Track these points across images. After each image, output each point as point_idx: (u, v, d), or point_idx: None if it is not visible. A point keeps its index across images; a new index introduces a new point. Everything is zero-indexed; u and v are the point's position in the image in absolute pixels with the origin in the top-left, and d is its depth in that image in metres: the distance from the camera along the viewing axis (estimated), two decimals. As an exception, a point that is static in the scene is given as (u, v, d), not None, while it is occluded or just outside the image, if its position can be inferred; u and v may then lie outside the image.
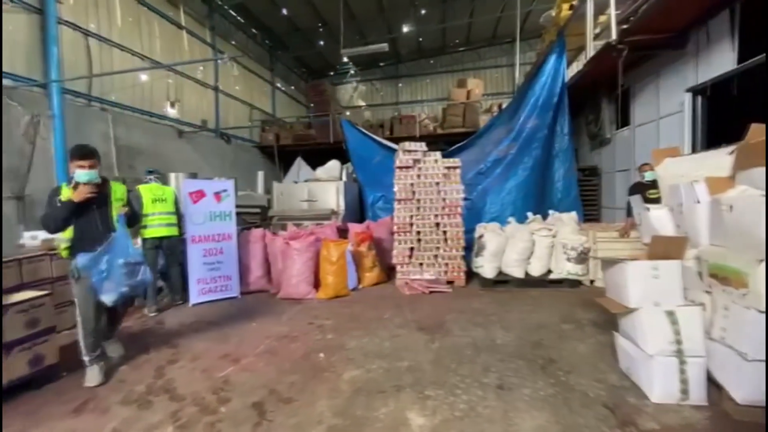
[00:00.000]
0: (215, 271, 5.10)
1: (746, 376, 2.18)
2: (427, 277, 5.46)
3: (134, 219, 3.32)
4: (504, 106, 13.09)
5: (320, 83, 14.79)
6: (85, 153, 2.88)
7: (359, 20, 13.99)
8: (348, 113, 16.36)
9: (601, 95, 7.46)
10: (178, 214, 5.00)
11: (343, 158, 9.33)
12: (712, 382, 2.42)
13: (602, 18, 7.07)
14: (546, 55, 7.34)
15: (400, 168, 5.69)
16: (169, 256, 4.98)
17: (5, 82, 6.25)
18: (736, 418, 2.22)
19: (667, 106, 5.72)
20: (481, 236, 5.58)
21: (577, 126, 8.32)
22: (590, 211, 7.79)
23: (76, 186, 2.82)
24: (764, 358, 2.08)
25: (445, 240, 5.50)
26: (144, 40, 9.37)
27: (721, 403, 2.34)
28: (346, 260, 5.33)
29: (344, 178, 8.28)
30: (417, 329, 3.86)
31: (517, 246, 5.35)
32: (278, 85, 16.47)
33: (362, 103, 19.38)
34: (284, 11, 13.21)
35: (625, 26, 5.31)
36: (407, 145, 5.79)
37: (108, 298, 2.88)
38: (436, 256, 5.51)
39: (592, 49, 6.48)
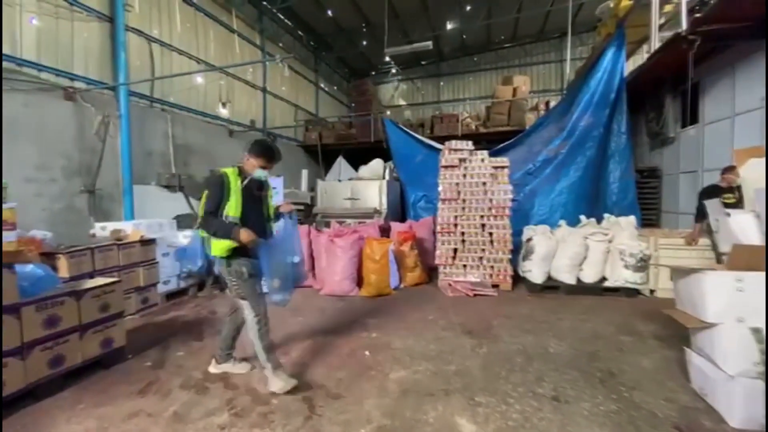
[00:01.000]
0: (263, 266, 5.27)
1: None
2: (471, 280, 5.32)
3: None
4: (551, 103, 12.59)
5: (363, 82, 14.91)
6: (273, 157, 2.71)
7: (402, 19, 13.93)
8: (388, 112, 16.37)
9: (664, 91, 6.91)
10: None
11: (384, 157, 9.35)
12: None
13: (668, 7, 6.55)
14: (603, 49, 6.92)
15: (445, 167, 5.59)
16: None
17: (81, 84, 6.83)
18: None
19: (745, 102, 5.18)
20: (529, 239, 5.36)
21: (635, 124, 7.77)
22: (648, 216, 7.25)
23: (244, 179, 2.66)
24: None
25: (491, 242, 5.33)
26: (200, 44, 9.89)
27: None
28: (389, 259, 5.32)
29: (386, 176, 8.27)
30: (463, 332, 3.77)
31: (569, 250, 5.08)
32: (321, 85, 16.81)
33: (403, 102, 19.34)
34: (329, 12, 13.45)
35: (697, 15, 4.87)
36: (453, 143, 5.68)
37: (280, 299, 2.76)
38: (481, 258, 5.35)
39: (657, 40, 6.01)
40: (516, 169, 6.56)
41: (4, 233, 3.40)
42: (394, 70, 19.08)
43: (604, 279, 5.11)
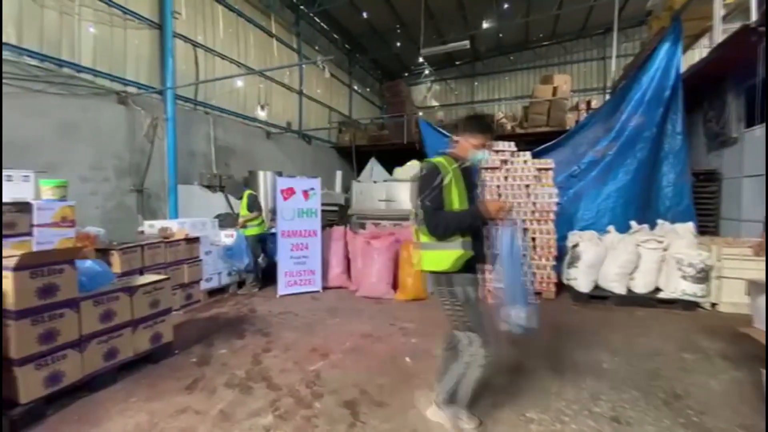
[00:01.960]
0: (301, 265, 5.33)
1: None
2: (512, 286, 5.11)
3: None
4: (593, 103, 12.02)
5: (397, 83, 14.86)
6: (492, 131, 2.26)
7: (437, 19, 13.78)
8: (421, 113, 16.24)
9: (727, 88, 6.38)
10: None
11: (418, 158, 9.23)
12: None
13: (730, -2, 6.07)
14: (656, 44, 6.48)
15: (486, 169, 5.42)
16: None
17: (132, 89, 7.19)
18: None
19: (825, 99, 4.68)
20: (575, 245, 5.09)
21: (691, 124, 7.23)
22: (705, 223, 6.71)
23: (461, 165, 2.15)
24: None
25: (534, 247, 5.11)
26: (240, 49, 10.20)
27: None
28: (426, 263, 5.21)
29: (422, 178, 8.15)
30: (505, 342, 3.60)
31: (620, 258, 4.78)
32: (355, 87, 16.93)
33: (435, 103, 19.13)
34: (364, 14, 13.51)
35: (770, 4, 4.45)
36: (494, 144, 5.49)
37: (523, 326, 2.08)
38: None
39: (720, 33, 5.56)
40: (559, 172, 6.26)
41: (64, 230, 3.59)
42: (427, 71, 18.94)
43: (658, 290, 4.77)
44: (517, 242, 2.14)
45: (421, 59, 17.33)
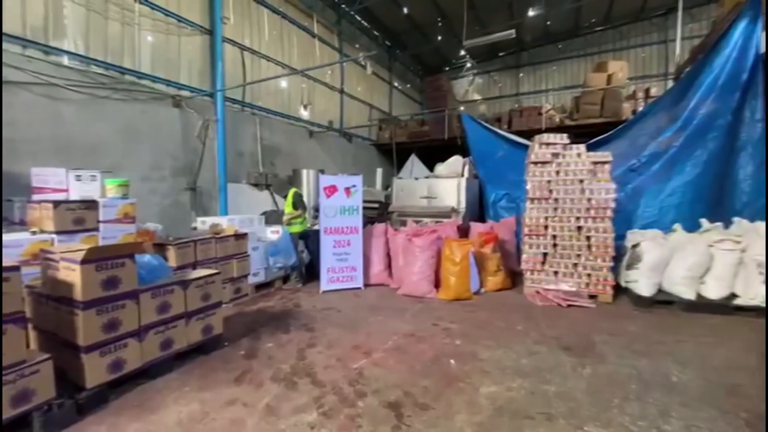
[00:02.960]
0: (343, 262, 5.36)
1: None
2: (564, 288, 4.82)
3: None
4: (653, 91, 11.07)
5: (438, 78, 14.61)
6: None
7: (479, 9, 13.31)
8: (462, 108, 15.84)
9: (819, 67, 5.58)
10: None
11: (459, 154, 8.98)
12: None
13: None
14: (731, 22, 5.80)
15: (535, 163, 5.12)
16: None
17: (185, 93, 7.60)
18: None
19: None
20: (636, 245, 4.69)
21: (773, 109, 6.42)
22: (791, 221, 5.94)
23: None
24: None
25: (589, 247, 4.77)
26: (285, 50, 10.46)
27: None
28: (470, 262, 5.05)
29: (465, 174, 7.93)
30: (559, 348, 3.38)
31: (688, 260, 4.34)
32: (395, 84, 16.85)
33: (478, 97, 18.59)
34: (405, 9, 13.36)
35: None
36: (545, 137, 5.19)
37: None
38: (575, 265, 4.81)
39: (813, 4, 4.86)
40: (616, 165, 5.77)
41: (126, 226, 3.84)
42: (468, 65, 18.44)
43: (734, 296, 4.27)
44: None
45: (462, 52, 16.89)
